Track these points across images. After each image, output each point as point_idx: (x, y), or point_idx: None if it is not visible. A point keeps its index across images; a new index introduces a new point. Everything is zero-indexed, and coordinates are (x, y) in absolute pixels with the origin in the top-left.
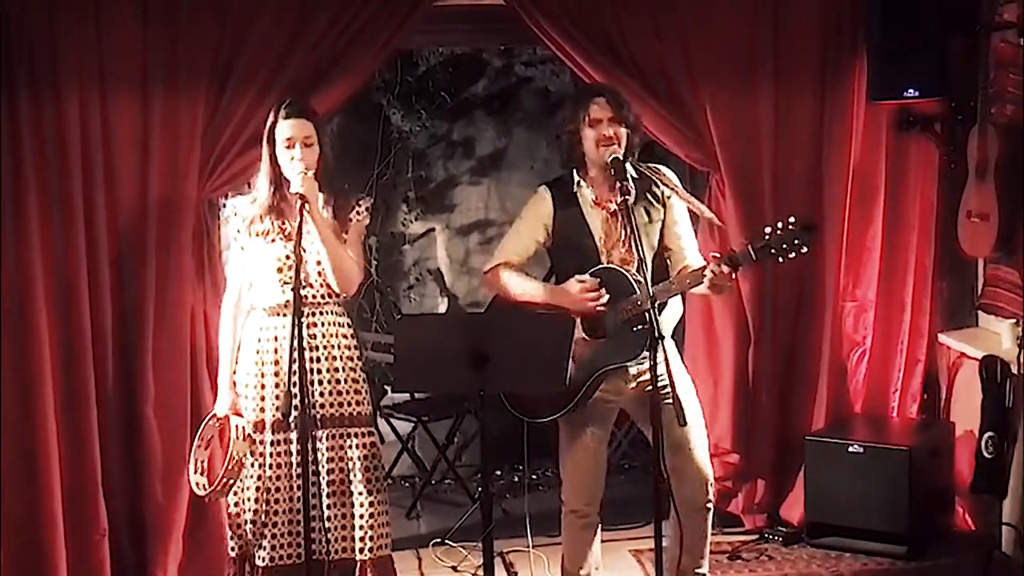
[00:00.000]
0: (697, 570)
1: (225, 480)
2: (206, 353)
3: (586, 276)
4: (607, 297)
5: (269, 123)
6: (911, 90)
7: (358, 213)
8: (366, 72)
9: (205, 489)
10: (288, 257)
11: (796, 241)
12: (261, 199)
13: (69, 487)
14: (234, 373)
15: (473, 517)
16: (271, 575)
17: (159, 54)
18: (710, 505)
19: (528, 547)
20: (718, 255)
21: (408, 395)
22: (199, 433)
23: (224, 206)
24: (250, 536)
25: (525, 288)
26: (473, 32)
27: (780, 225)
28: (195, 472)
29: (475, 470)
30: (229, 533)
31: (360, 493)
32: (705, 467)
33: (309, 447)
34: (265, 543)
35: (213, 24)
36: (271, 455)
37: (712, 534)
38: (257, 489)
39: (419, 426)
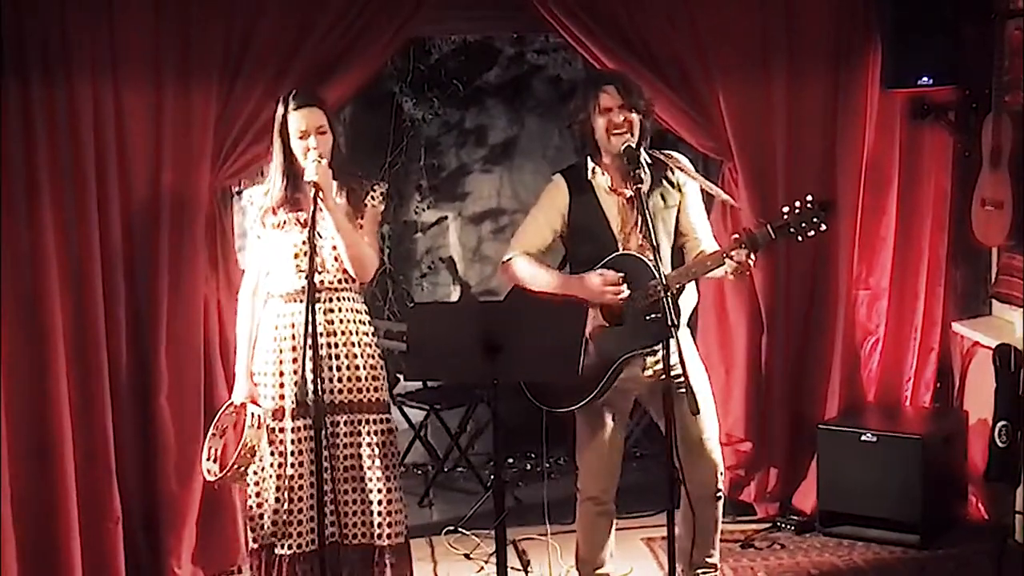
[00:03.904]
0: (708, 559)
1: (236, 467)
2: (219, 342)
3: (606, 270)
4: (627, 291)
5: (279, 115)
6: (925, 78)
7: (373, 199)
8: (378, 62)
9: (215, 475)
10: (304, 243)
11: (815, 219)
12: (274, 192)
13: (83, 476)
14: (251, 361)
15: (486, 505)
16: (295, 563)
17: (171, 43)
18: (720, 494)
19: (547, 534)
20: (738, 236)
21: (421, 383)
22: (215, 421)
23: (237, 194)
24: (271, 527)
25: (539, 277)
26: (485, 20)
27: (797, 204)
28: (207, 459)
29: (487, 458)
30: (250, 525)
31: (378, 479)
32: (716, 456)
33: (326, 433)
34: (291, 531)
35: (224, 14)
36: (292, 442)
37: (724, 522)
38: (279, 478)
39: (432, 414)
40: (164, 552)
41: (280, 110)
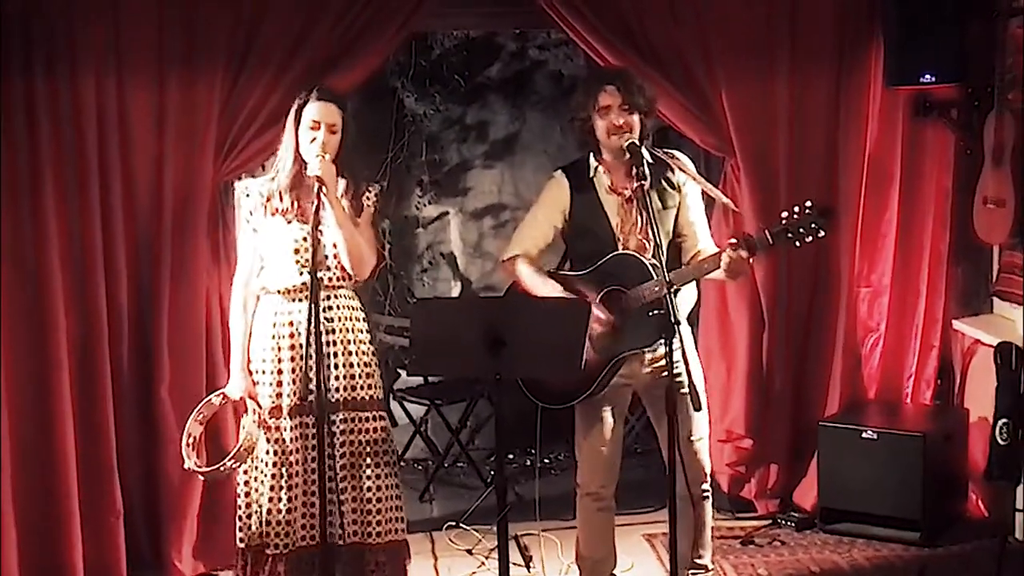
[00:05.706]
0: (697, 560)
1: (234, 463)
2: (221, 335)
3: (605, 311)
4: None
5: (299, 102)
6: (928, 75)
7: (367, 198)
8: (381, 55)
9: (199, 467)
10: (305, 239)
11: (813, 225)
12: (282, 176)
13: (84, 469)
14: (247, 355)
15: (486, 501)
16: (287, 561)
17: (175, 36)
18: (707, 494)
19: (539, 531)
20: (735, 240)
21: (421, 379)
22: (199, 406)
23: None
24: (263, 527)
25: (539, 287)
26: (487, 15)
27: (797, 209)
28: (186, 445)
29: (487, 454)
30: (239, 524)
31: (370, 477)
32: (704, 456)
33: (325, 431)
34: (286, 529)
35: (229, 6)
36: (290, 440)
37: (725, 519)
38: (274, 477)
39: (432, 409)
40: (165, 546)
41: (301, 98)
